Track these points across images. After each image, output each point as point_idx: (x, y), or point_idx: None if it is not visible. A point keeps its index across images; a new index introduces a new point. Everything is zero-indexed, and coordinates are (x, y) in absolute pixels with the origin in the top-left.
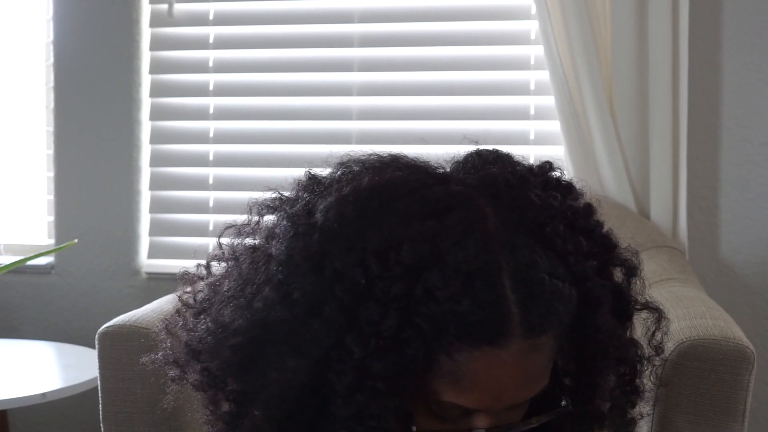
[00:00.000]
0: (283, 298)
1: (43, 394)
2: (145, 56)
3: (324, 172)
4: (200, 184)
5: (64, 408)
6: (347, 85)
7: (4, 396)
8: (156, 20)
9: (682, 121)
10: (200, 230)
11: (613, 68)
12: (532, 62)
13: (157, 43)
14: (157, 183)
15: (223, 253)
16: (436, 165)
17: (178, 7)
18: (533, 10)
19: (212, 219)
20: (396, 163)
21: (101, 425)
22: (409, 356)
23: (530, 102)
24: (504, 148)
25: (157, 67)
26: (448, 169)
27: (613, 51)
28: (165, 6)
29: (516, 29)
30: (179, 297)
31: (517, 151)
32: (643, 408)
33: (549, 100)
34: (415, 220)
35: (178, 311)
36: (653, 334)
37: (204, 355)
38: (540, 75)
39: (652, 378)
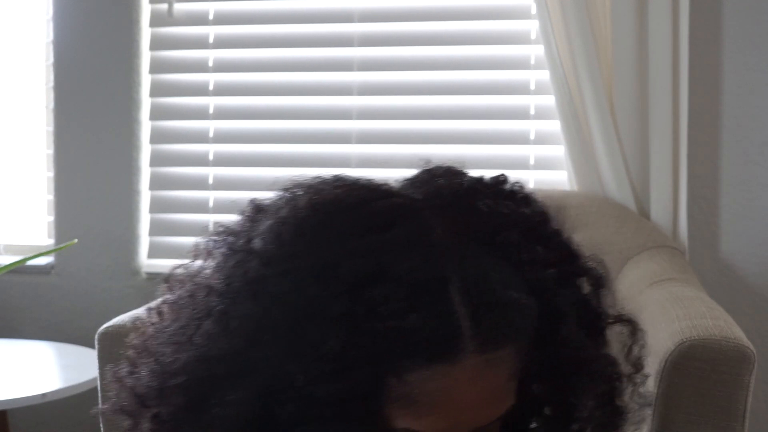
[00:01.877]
0: (222, 329)
1: (43, 394)
2: (145, 56)
3: (268, 198)
4: (200, 183)
5: (64, 408)
6: (347, 85)
7: (4, 396)
8: (156, 20)
9: (682, 121)
10: (200, 230)
11: (613, 68)
12: (532, 62)
13: (157, 43)
14: (157, 183)
15: (170, 290)
16: (381, 182)
17: (178, 7)
18: (533, 10)
19: (212, 219)
20: (337, 182)
21: (101, 425)
22: (355, 379)
23: (530, 102)
24: (504, 148)
25: (157, 67)
26: (396, 186)
27: (613, 51)
28: (165, 6)
29: (516, 29)
30: (127, 342)
31: (517, 151)
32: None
33: (549, 100)
34: (354, 236)
35: (126, 357)
36: (629, 348)
37: (151, 401)
38: (540, 75)
39: (636, 398)
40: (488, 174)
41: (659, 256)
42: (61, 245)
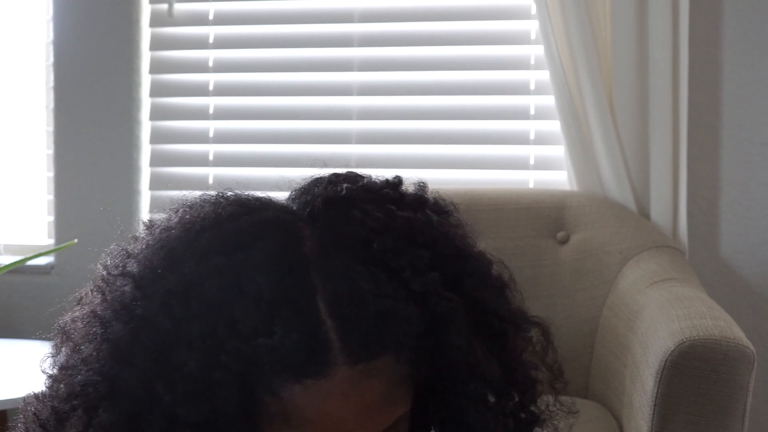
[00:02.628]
0: (97, 353)
1: None
2: (145, 56)
3: (159, 218)
4: (200, 184)
5: None
6: (347, 85)
7: (4, 396)
8: (156, 20)
9: (682, 121)
10: None
11: (613, 68)
12: (532, 62)
13: (157, 43)
14: (157, 183)
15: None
16: (262, 197)
17: (178, 7)
18: (533, 10)
19: None
20: (217, 198)
21: None
22: (221, 399)
23: (530, 102)
24: (504, 148)
25: (157, 67)
26: (277, 200)
27: (613, 51)
28: (165, 6)
29: (516, 29)
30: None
31: (517, 151)
32: None
33: (549, 100)
34: (217, 254)
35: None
36: (545, 352)
37: (50, 426)
38: (540, 75)
39: (558, 405)
40: (384, 177)
41: (659, 256)
42: (61, 245)
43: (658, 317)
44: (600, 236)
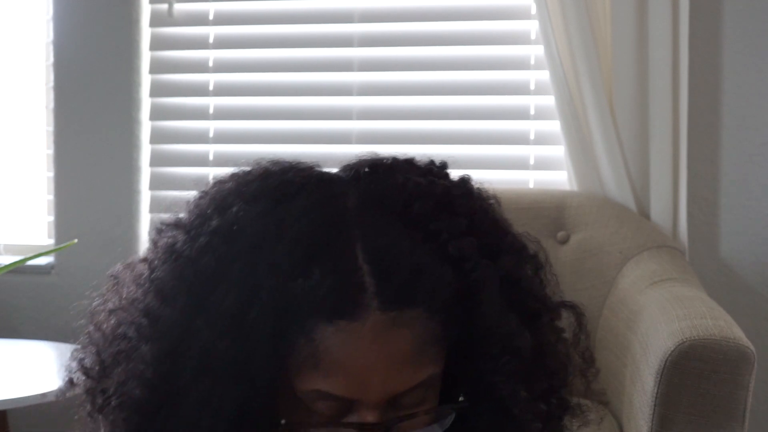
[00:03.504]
0: (143, 295)
1: (43, 394)
2: (145, 56)
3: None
4: (200, 183)
5: (64, 408)
6: (347, 85)
7: (4, 396)
8: (156, 20)
9: (682, 121)
10: None
11: (613, 68)
12: (532, 62)
13: (157, 43)
14: (157, 183)
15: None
16: (313, 163)
17: (178, 7)
18: (533, 10)
19: None
20: (270, 160)
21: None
22: (256, 337)
23: (530, 102)
24: (504, 148)
25: (157, 67)
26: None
27: (613, 51)
28: (165, 6)
29: (516, 29)
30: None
31: (517, 151)
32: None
33: (549, 100)
34: (264, 199)
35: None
36: (577, 338)
37: (98, 370)
38: (540, 75)
39: (590, 394)
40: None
41: (659, 256)
42: (61, 245)
43: (658, 317)
44: (600, 236)
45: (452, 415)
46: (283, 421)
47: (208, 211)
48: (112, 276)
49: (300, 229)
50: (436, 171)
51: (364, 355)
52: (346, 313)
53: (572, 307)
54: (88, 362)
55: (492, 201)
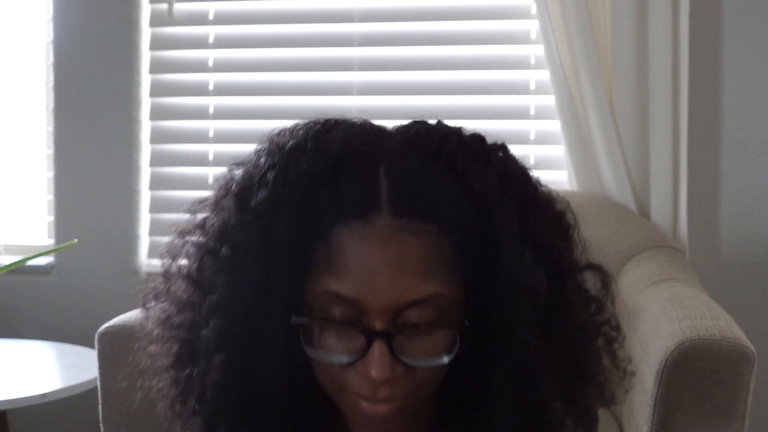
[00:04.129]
0: (203, 219)
1: (43, 394)
2: (145, 56)
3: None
4: (200, 183)
5: (64, 408)
6: (347, 85)
7: (4, 396)
8: (156, 20)
9: (682, 120)
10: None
11: (613, 68)
12: (532, 62)
13: (157, 43)
14: (157, 183)
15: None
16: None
17: (178, 7)
18: (533, 10)
19: None
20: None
21: (101, 425)
22: (281, 232)
23: (530, 102)
24: None
25: (157, 67)
26: None
27: (613, 51)
28: (165, 6)
29: (516, 29)
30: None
31: (517, 151)
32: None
33: (549, 100)
34: (309, 129)
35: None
36: (602, 303)
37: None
38: (540, 75)
39: (617, 361)
40: None
41: (659, 256)
42: (61, 245)
43: (658, 317)
44: (600, 236)
45: (457, 339)
46: (293, 317)
47: (260, 143)
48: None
49: (336, 147)
50: (478, 135)
51: (372, 256)
52: (359, 215)
53: (598, 269)
54: (156, 284)
55: (527, 167)
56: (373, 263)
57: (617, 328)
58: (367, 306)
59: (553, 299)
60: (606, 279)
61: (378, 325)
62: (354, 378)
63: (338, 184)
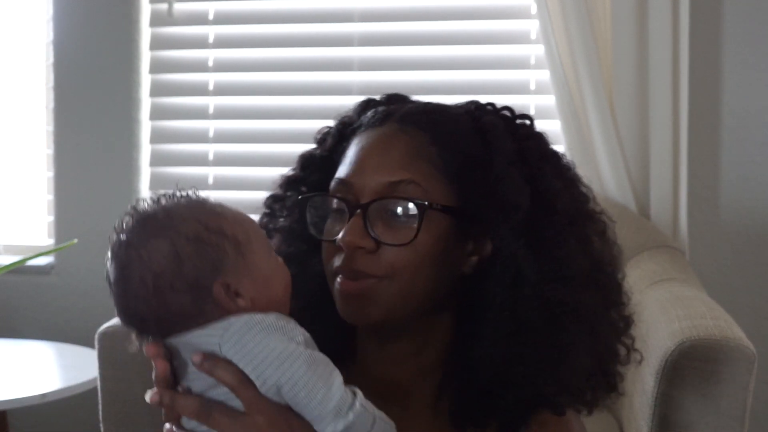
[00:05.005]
0: None
1: (43, 395)
2: (145, 56)
3: None
4: (200, 183)
5: (64, 408)
6: (347, 85)
7: (4, 396)
8: (156, 20)
9: (682, 121)
10: None
11: (613, 68)
12: (532, 62)
13: (157, 43)
14: (157, 183)
15: None
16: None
17: (178, 7)
18: (533, 10)
19: None
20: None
21: (101, 425)
22: (330, 143)
23: (530, 102)
24: None
25: (157, 67)
26: None
27: (613, 51)
28: (165, 6)
29: (516, 29)
30: None
31: None
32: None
33: (549, 100)
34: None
35: None
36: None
37: None
38: (540, 75)
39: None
40: None
41: (659, 256)
42: (61, 245)
43: (658, 317)
44: None
45: (420, 211)
46: (303, 189)
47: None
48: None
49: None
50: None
51: (367, 147)
52: (375, 124)
53: (598, 220)
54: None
55: (554, 148)
56: (366, 151)
57: (618, 265)
58: (355, 185)
59: (539, 221)
60: (603, 227)
61: (361, 200)
62: (338, 257)
63: (368, 110)
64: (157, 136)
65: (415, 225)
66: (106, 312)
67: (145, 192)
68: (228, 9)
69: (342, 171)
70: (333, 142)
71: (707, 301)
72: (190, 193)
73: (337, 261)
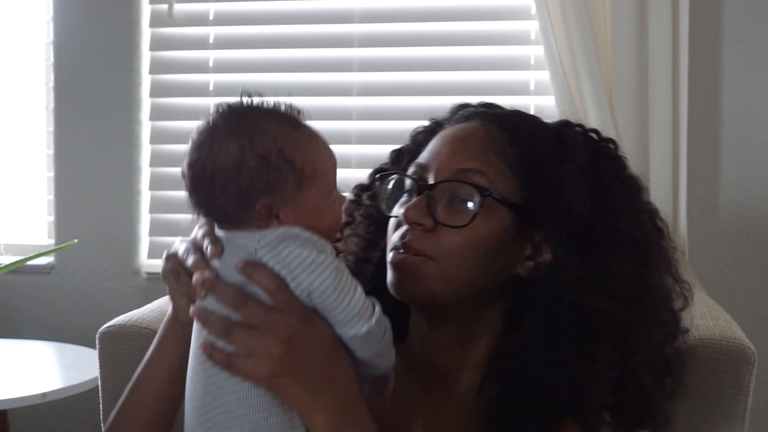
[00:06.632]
0: None
1: (43, 394)
2: (145, 56)
3: None
4: None
5: (64, 408)
6: (347, 85)
7: (4, 396)
8: (156, 20)
9: (682, 121)
10: None
11: (613, 68)
12: (532, 62)
13: (157, 43)
14: (157, 183)
15: None
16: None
17: (178, 7)
18: (533, 10)
19: None
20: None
21: (101, 425)
22: (422, 138)
23: (530, 102)
24: None
25: (157, 67)
26: None
27: (613, 51)
28: (165, 6)
29: (516, 29)
30: None
31: None
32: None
33: (549, 100)
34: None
35: None
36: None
37: None
38: (540, 75)
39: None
40: None
41: None
42: (61, 245)
43: None
44: None
45: (481, 197)
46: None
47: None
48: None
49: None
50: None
51: (448, 135)
52: (465, 120)
53: (674, 253)
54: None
55: (634, 176)
56: (446, 139)
57: (667, 304)
58: (428, 167)
59: (599, 234)
60: (671, 262)
61: (430, 179)
62: (399, 232)
63: (461, 108)
64: (157, 137)
65: (473, 210)
66: (106, 312)
67: (145, 192)
68: (228, 10)
69: (421, 156)
70: (423, 138)
71: (707, 301)
72: (291, 107)
73: (397, 236)
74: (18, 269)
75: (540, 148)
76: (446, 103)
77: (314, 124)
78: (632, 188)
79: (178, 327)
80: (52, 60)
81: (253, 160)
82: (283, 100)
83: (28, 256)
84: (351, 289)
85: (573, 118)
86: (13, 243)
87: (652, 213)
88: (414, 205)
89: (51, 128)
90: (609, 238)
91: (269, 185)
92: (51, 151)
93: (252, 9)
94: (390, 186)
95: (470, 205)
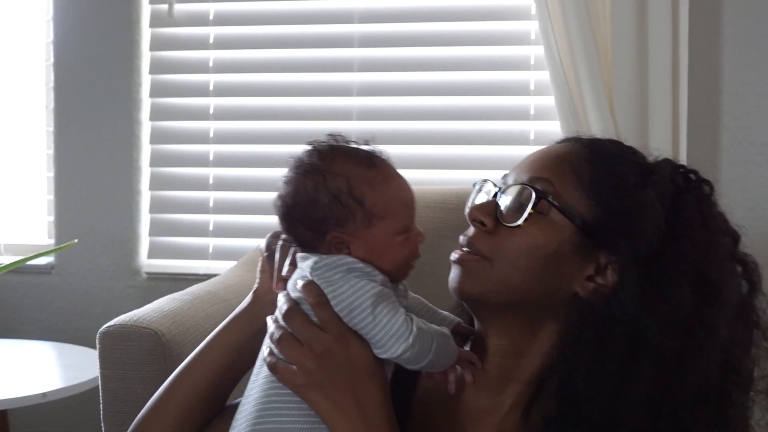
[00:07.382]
0: None
1: (43, 394)
2: (145, 56)
3: None
4: (200, 184)
5: (64, 408)
6: (347, 86)
7: (4, 396)
8: (156, 20)
9: (682, 121)
10: (200, 230)
11: (613, 68)
12: (532, 62)
13: (157, 44)
14: (157, 183)
15: None
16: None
17: (178, 7)
18: (533, 10)
19: (212, 219)
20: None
21: (101, 425)
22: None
23: (530, 102)
24: (504, 149)
25: (157, 67)
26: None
27: (613, 51)
28: (165, 6)
29: (516, 29)
30: None
31: (517, 151)
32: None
33: (549, 100)
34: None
35: None
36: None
37: None
38: (540, 75)
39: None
40: None
41: None
42: (61, 245)
43: None
44: None
45: (537, 200)
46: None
47: None
48: None
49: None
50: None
51: (538, 150)
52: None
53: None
54: None
55: (718, 216)
56: (533, 154)
57: (730, 347)
58: (509, 175)
59: (666, 260)
60: (752, 317)
61: (507, 181)
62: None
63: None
64: (157, 137)
65: (528, 212)
66: (106, 312)
67: (145, 192)
68: (228, 10)
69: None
70: None
71: None
72: (373, 149)
73: (463, 235)
74: (18, 269)
75: (620, 171)
76: (446, 102)
77: (314, 124)
78: (713, 227)
79: (257, 303)
80: (52, 60)
81: (326, 197)
82: (372, 147)
83: (28, 256)
84: (388, 313)
85: (574, 119)
86: (13, 243)
87: (746, 264)
88: (479, 205)
89: (51, 128)
90: (674, 265)
91: (339, 220)
92: (51, 151)
93: (252, 9)
94: (475, 194)
95: (528, 207)
